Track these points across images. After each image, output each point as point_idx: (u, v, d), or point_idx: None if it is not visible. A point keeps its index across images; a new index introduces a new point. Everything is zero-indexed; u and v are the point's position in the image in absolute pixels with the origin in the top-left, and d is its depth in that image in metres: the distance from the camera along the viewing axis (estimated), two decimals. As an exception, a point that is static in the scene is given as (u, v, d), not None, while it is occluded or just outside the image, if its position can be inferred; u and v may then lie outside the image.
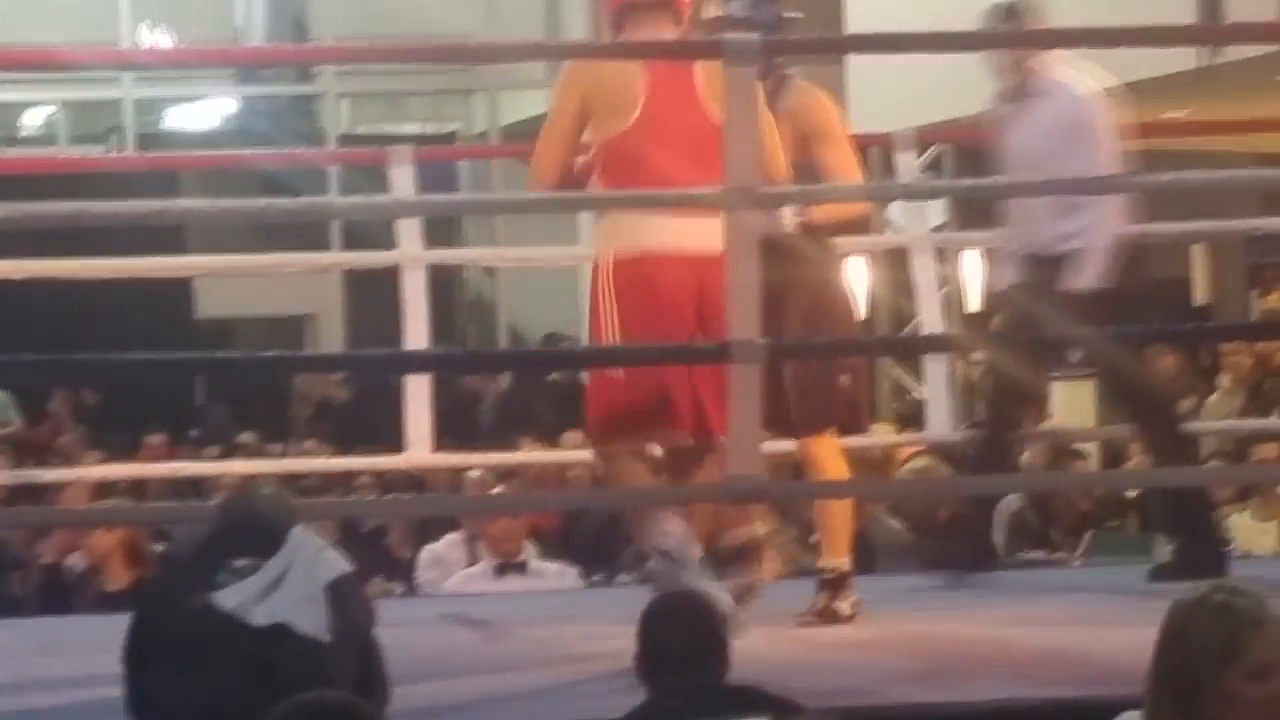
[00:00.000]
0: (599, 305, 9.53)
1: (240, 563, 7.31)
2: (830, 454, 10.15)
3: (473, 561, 14.04)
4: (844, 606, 9.69)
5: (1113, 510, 14.85)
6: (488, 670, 9.41)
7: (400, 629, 9.42)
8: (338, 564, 6.94)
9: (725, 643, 6.65)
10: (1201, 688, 5.39)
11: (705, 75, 9.24)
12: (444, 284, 19.80)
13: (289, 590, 7.37)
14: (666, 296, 9.02)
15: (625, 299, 9.14)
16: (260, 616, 7.04)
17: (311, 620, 7.24)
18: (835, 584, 9.78)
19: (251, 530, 7.64)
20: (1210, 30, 14.88)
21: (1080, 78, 10.58)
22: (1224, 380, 18.02)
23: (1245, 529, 13.95)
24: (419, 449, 12.65)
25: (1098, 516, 14.79)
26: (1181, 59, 15.75)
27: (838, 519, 10.17)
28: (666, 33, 9.54)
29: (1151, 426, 10.47)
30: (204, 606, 7.00)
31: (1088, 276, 10.59)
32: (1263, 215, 15.78)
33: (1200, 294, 21.95)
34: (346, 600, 6.85)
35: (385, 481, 15.08)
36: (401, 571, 15.44)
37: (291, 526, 7.66)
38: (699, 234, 8.97)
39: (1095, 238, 10.75)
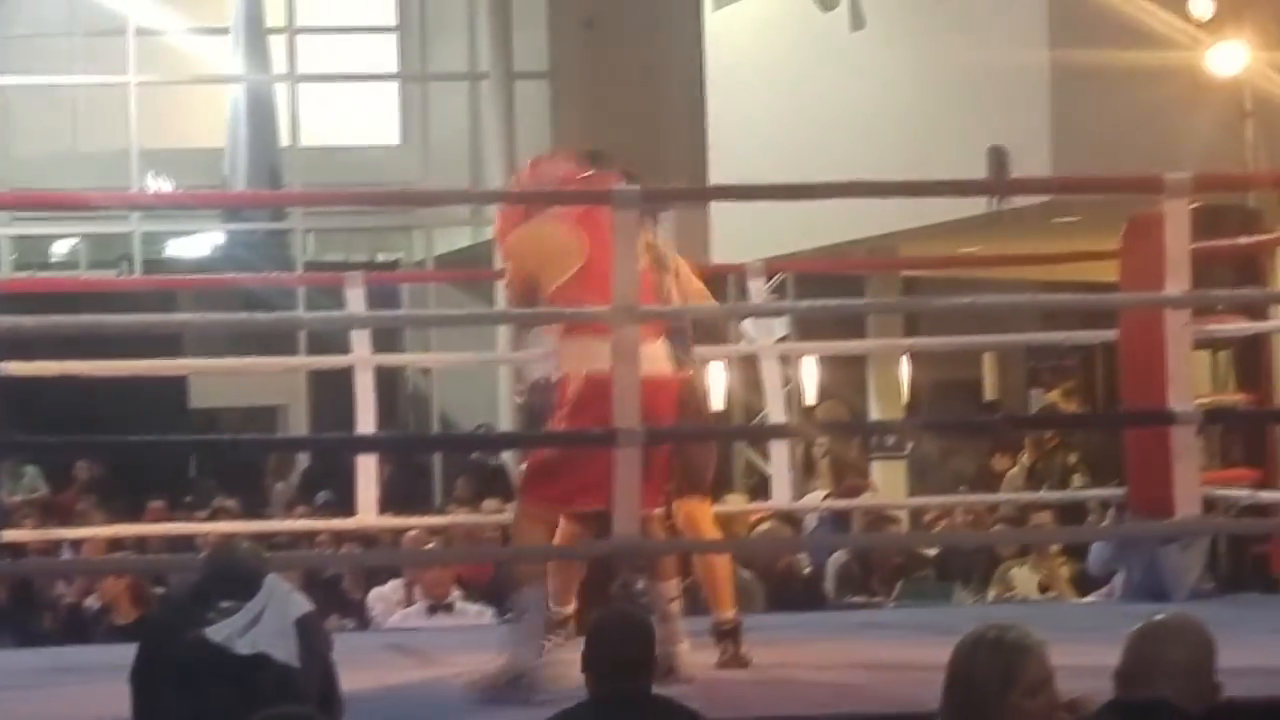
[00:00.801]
0: (567, 406, 9.40)
1: (225, 604, 7.36)
2: (705, 517, 9.98)
3: (411, 603, 14.03)
4: (747, 653, 9.47)
5: (919, 563, 14.91)
6: (419, 687, 9.69)
7: (353, 657, 9.24)
8: (303, 604, 7.04)
9: (654, 656, 6.61)
10: (989, 707, 5.64)
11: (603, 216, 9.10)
12: (388, 382, 19.78)
13: (265, 625, 7.37)
14: (604, 405, 8.86)
15: (588, 403, 9.05)
16: (243, 647, 7.07)
17: (284, 650, 7.26)
18: (733, 633, 9.57)
19: (233, 577, 7.63)
20: (996, 184, 15.00)
21: None
22: (1024, 458, 18.01)
23: (1024, 578, 14.03)
24: (368, 513, 12.34)
25: (907, 568, 14.86)
26: (975, 206, 15.44)
27: (721, 574, 9.98)
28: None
29: None
30: (198, 639, 7.04)
31: None
32: (1040, 329, 15.88)
33: (989, 391, 21.91)
34: (311, 633, 6.94)
35: (340, 538, 14.64)
36: (353, 610, 15.18)
37: (265, 573, 7.66)
38: (648, 358, 8.99)
39: None
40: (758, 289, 12.14)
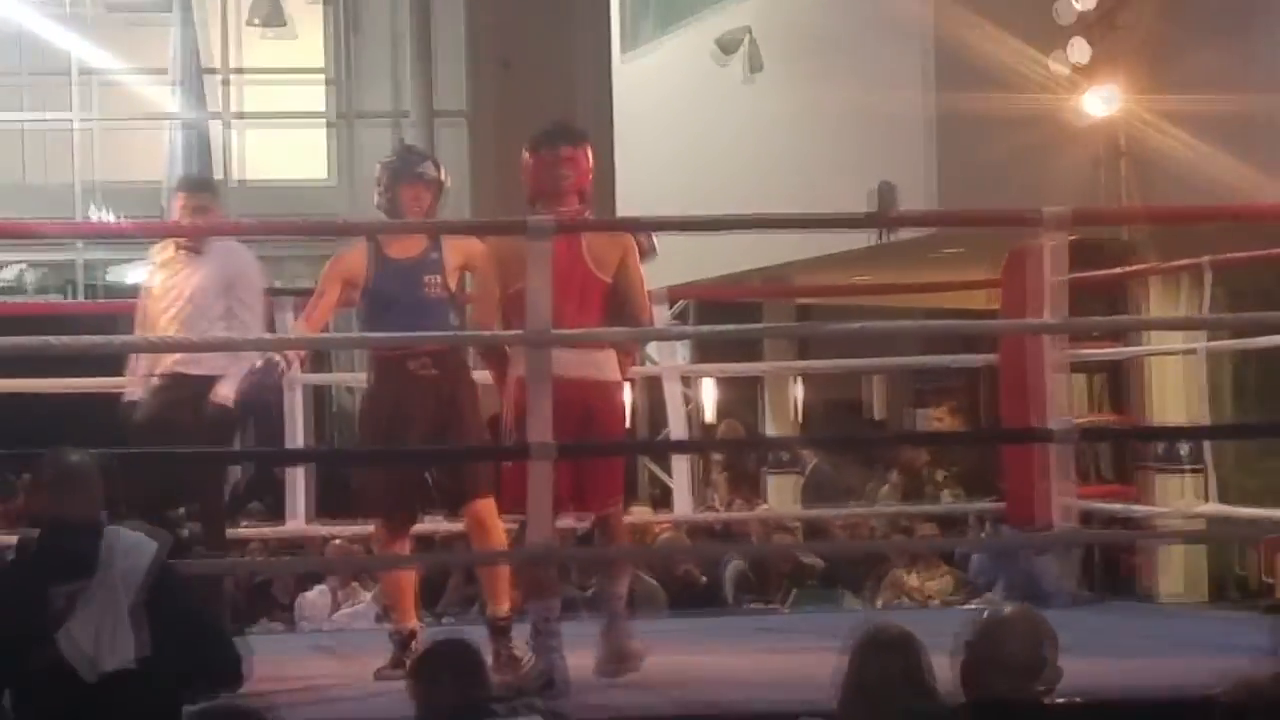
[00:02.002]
0: (509, 410, 9.36)
1: (62, 588, 6.73)
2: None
3: (336, 606, 14.04)
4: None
5: (809, 571, 14.89)
6: (340, 678, 9.72)
7: (281, 655, 10.17)
8: (147, 551, 6.46)
9: (484, 664, 6.50)
10: (888, 702, 5.89)
11: (589, 243, 9.22)
12: (318, 399, 20.21)
13: (111, 611, 6.77)
14: (557, 409, 8.83)
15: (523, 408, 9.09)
16: (88, 671, 6.53)
17: (124, 646, 6.74)
18: (505, 630, 9.46)
19: (68, 551, 6.99)
20: (883, 218, 14.86)
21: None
22: (893, 476, 18.00)
23: (911, 586, 14.04)
24: (297, 521, 12.40)
25: (799, 576, 14.88)
26: (864, 238, 15.45)
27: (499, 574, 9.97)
28: (571, 207, 9.39)
29: None
30: (51, 656, 6.46)
31: None
32: (925, 353, 15.87)
33: (877, 411, 22.25)
34: (167, 592, 6.40)
35: (271, 546, 14.59)
36: (282, 613, 15.03)
37: (100, 536, 7.02)
38: (584, 364, 8.95)
39: None
40: (661, 314, 12.04)
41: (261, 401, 10.91)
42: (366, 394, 10.23)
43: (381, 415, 9.84)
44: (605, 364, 9.33)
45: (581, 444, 9.19)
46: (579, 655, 8.78)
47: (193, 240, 10.24)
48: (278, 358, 10.35)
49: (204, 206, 10.66)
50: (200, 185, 11.65)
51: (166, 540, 7.19)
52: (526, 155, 9.65)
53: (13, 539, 7.62)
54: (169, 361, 10.20)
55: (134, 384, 10.53)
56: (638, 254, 9.63)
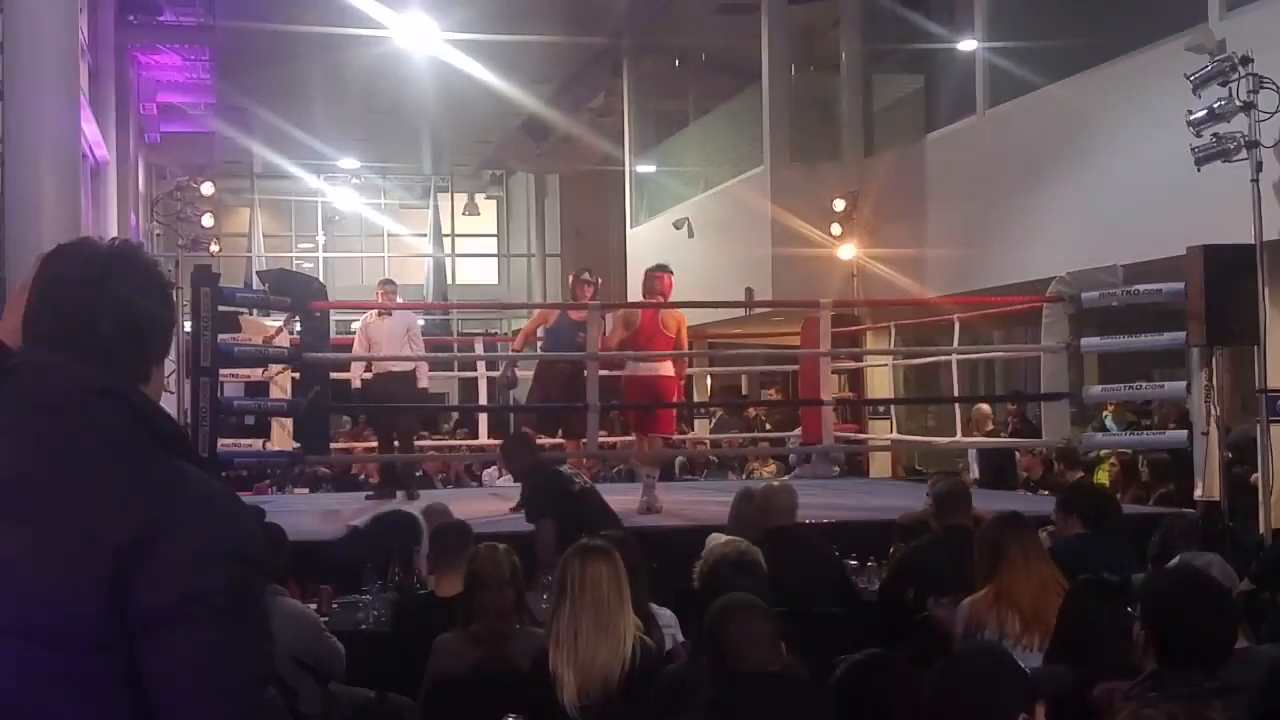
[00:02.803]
0: (625, 389, 9.72)
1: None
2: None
3: (498, 475, 12.85)
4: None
5: (714, 464, 14.73)
6: (495, 509, 9.39)
7: (471, 499, 10.25)
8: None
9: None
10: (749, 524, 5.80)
11: (662, 315, 9.61)
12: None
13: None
14: (639, 387, 9.49)
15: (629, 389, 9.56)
16: None
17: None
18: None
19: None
20: (749, 302, 15.62)
21: None
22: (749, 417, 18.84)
23: (762, 471, 13.83)
24: (482, 439, 12.15)
25: (711, 466, 14.54)
26: (740, 312, 16.42)
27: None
28: (656, 299, 9.79)
29: None
30: None
31: None
32: (766, 364, 16.17)
33: (746, 391, 21.66)
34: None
35: (473, 450, 13.79)
36: (473, 479, 14.06)
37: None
38: (650, 369, 9.47)
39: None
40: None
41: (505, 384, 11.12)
42: (539, 375, 10.51)
43: (553, 384, 10.08)
44: (662, 368, 9.60)
45: (648, 404, 9.60)
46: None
47: (386, 307, 10.55)
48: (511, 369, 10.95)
49: (391, 291, 10.85)
50: (387, 283, 11.15)
51: None
52: (647, 273, 10.09)
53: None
54: (383, 365, 10.57)
55: (356, 375, 10.74)
56: (685, 322, 9.87)
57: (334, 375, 10.32)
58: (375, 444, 11.56)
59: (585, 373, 9.52)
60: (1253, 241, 9.15)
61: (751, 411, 16.99)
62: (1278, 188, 9.66)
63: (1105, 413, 12.00)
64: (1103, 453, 11.53)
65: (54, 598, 1.78)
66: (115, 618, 1.78)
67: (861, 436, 13.52)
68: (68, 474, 1.85)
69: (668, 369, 9.79)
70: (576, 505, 7.01)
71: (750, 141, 16.97)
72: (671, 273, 10.04)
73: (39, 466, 1.85)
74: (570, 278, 10.83)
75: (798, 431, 12.49)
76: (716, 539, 5.39)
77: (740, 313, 16.49)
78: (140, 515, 1.81)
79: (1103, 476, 10.95)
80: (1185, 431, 9.44)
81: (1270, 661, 3.10)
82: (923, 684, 2.81)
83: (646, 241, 20.70)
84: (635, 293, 20.60)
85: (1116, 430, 11.52)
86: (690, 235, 18.58)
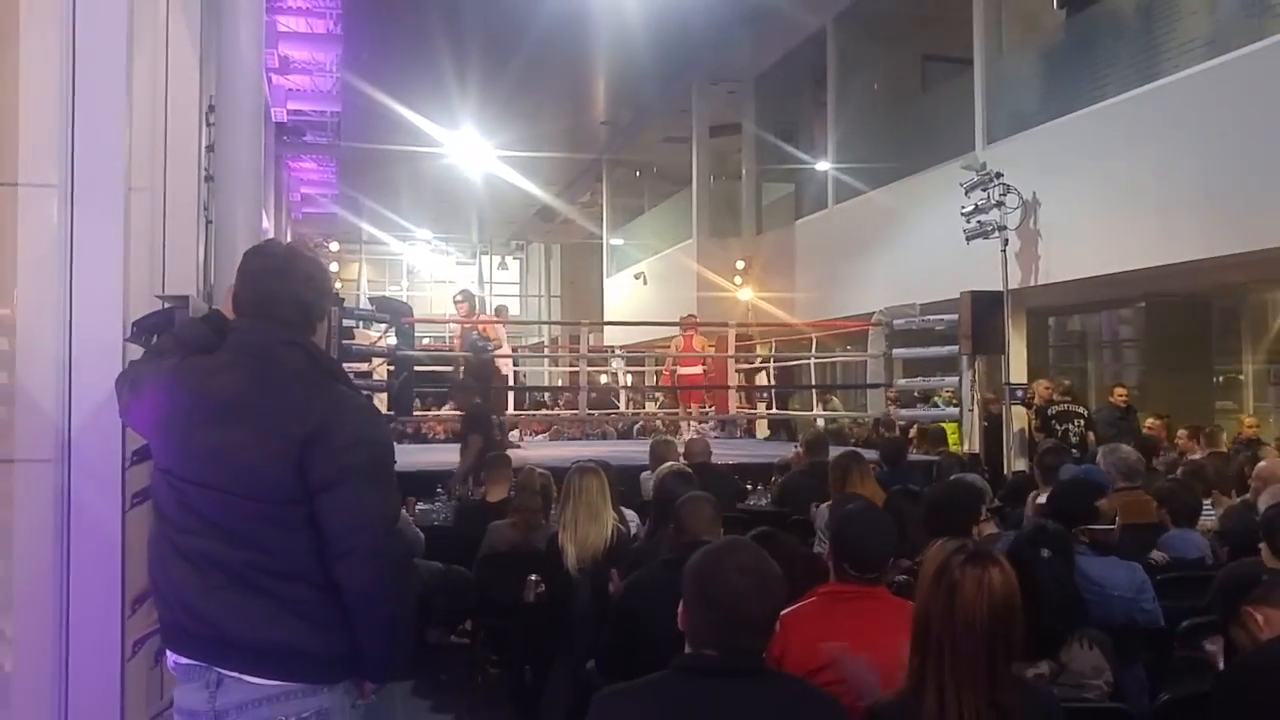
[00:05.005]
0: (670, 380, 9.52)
1: None
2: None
3: (524, 437, 11.43)
4: None
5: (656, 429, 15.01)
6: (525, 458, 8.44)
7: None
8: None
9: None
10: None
11: (697, 339, 9.68)
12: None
13: None
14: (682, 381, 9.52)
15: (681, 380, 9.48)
16: None
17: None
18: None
19: None
20: (684, 324, 15.26)
21: None
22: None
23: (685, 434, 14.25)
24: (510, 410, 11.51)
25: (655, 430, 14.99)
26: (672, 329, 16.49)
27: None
28: (692, 329, 9.77)
29: None
30: None
31: None
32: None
33: None
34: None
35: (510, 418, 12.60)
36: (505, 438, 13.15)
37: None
38: (688, 368, 9.44)
39: None
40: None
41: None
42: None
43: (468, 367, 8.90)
44: (695, 367, 9.79)
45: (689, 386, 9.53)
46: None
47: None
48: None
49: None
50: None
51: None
52: (685, 327, 9.97)
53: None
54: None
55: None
56: (706, 344, 9.65)
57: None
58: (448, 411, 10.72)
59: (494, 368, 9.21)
60: (1001, 289, 9.27)
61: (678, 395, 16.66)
62: (1017, 255, 9.81)
63: (937, 396, 11.28)
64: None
65: (263, 470, 1.88)
66: (300, 482, 1.87)
67: (753, 412, 13.09)
68: (270, 394, 1.92)
69: (699, 369, 10.17)
70: (494, 436, 6.76)
71: (684, 224, 16.83)
72: (694, 316, 10.32)
73: (252, 388, 1.93)
74: (454, 299, 9.91)
75: (714, 408, 11.91)
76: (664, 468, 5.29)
77: (678, 331, 16.23)
78: (315, 420, 1.88)
79: (953, 438, 9.68)
80: (958, 408, 9.43)
81: (1007, 538, 3.16)
82: (794, 547, 2.86)
83: (617, 288, 20.10)
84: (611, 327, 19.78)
85: (942, 407, 10.69)
86: (645, 284, 18.32)
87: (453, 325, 10.25)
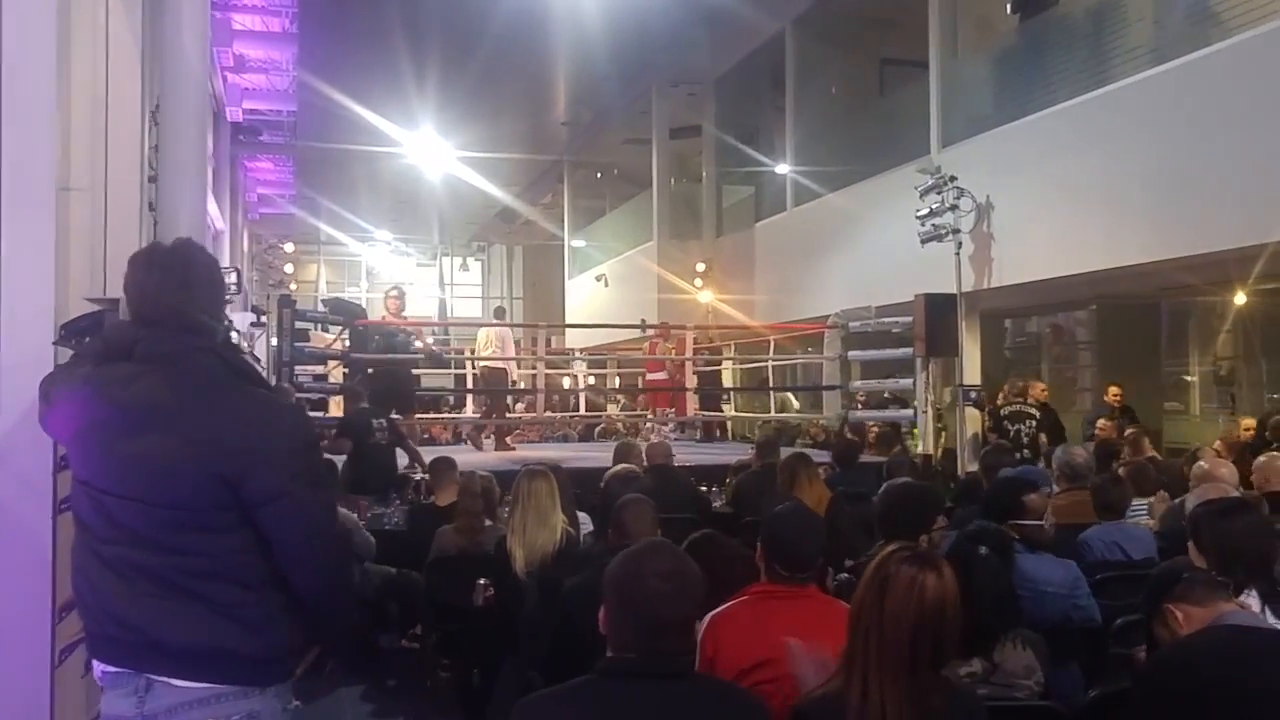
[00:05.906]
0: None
1: None
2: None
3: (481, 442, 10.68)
4: None
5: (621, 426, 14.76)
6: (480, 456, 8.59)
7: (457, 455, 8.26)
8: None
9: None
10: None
11: (659, 345, 9.42)
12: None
13: None
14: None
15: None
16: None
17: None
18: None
19: None
20: (643, 325, 13.74)
21: None
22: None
23: (650, 435, 13.51)
24: (468, 412, 11.16)
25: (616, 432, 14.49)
26: (636, 331, 14.97)
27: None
28: (664, 336, 9.64)
29: None
30: None
31: None
32: None
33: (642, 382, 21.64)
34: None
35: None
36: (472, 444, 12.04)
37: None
38: (656, 372, 9.28)
39: None
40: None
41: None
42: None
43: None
44: (660, 371, 9.64)
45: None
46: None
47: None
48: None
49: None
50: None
51: None
52: (656, 335, 9.73)
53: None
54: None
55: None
56: (666, 348, 9.53)
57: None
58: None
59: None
60: (955, 292, 9.33)
61: (642, 398, 16.71)
62: (970, 259, 9.87)
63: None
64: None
65: (185, 478, 1.86)
66: (227, 490, 1.85)
67: (712, 414, 13.22)
68: (190, 403, 1.89)
69: (665, 373, 10.22)
70: (372, 444, 6.54)
71: (644, 226, 16.63)
72: (667, 325, 10.25)
73: (171, 398, 1.90)
74: (384, 294, 9.52)
75: (673, 410, 11.85)
76: (611, 471, 5.20)
77: (638, 333, 16.02)
78: (247, 430, 1.89)
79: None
80: (913, 410, 9.48)
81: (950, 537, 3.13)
82: (734, 549, 2.83)
83: (578, 290, 19.94)
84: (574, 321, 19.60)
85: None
86: (606, 285, 18.17)
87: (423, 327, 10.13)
